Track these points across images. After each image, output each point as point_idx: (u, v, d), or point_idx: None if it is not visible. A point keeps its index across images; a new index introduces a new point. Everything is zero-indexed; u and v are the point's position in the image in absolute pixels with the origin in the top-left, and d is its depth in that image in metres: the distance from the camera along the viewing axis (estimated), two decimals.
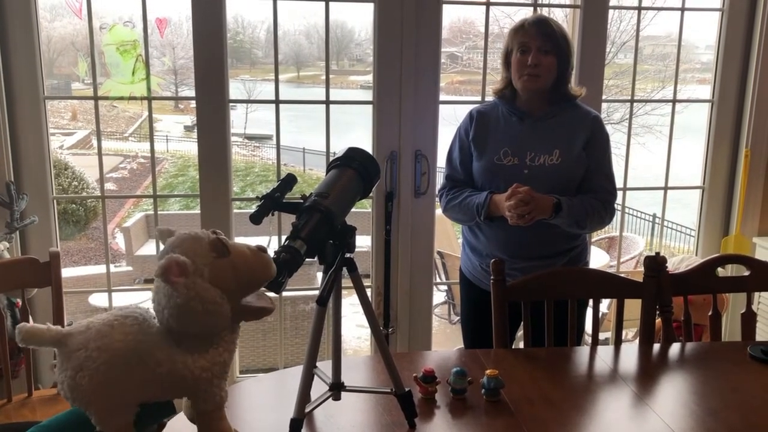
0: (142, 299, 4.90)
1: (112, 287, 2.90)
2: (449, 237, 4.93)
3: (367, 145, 2.77)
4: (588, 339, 2.34)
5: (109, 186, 11.57)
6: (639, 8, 3.07)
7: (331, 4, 2.65)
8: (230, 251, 1.13)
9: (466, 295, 2.29)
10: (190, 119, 16.88)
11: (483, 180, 2.11)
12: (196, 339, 1.14)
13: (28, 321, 2.10)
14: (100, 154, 2.80)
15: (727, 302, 2.99)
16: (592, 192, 2.06)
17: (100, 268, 5.57)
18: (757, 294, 2.83)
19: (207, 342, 1.15)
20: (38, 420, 1.32)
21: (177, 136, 16.89)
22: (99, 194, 2.86)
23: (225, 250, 1.12)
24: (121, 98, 2.97)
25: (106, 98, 2.84)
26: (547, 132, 2.07)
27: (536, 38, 2.01)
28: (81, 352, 1.08)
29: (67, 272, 5.93)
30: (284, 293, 3.09)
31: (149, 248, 6.72)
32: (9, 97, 2.56)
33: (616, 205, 2.16)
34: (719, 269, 2.13)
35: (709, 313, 2.06)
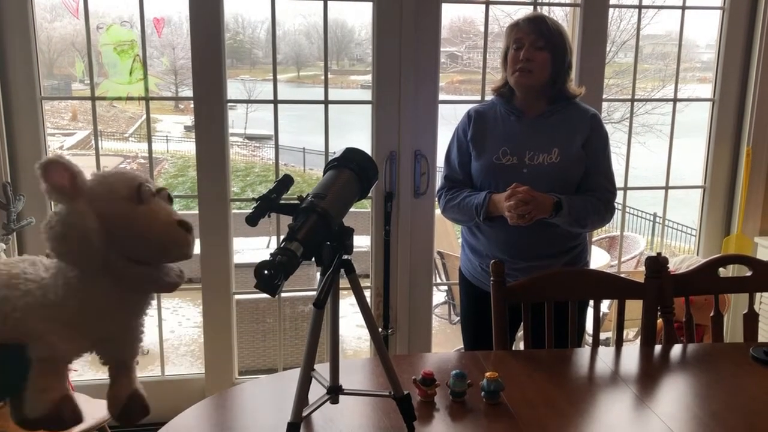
0: None
1: None
2: (449, 237, 4.91)
3: (366, 145, 2.75)
4: (589, 339, 2.33)
5: None
6: (639, 7, 3.05)
7: (329, 3, 2.64)
8: (144, 203, 1.07)
9: (465, 296, 2.28)
10: (190, 119, 16.81)
11: (482, 180, 2.10)
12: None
13: None
14: (97, 155, 2.79)
15: (728, 303, 2.97)
16: (592, 191, 2.06)
17: None
18: (759, 294, 2.81)
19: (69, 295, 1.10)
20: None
21: (177, 137, 16.86)
22: None
23: (139, 198, 1.07)
24: (119, 98, 2.95)
25: (104, 98, 2.83)
26: (546, 131, 2.06)
27: (530, 34, 2.01)
28: None
29: None
30: (283, 294, 3.10)
31: None
32: (6, 97, 2.55)
33: (616, 204, 2.15)
34: (721, 269, 2.12)
35: (711, 314, 2.04)
